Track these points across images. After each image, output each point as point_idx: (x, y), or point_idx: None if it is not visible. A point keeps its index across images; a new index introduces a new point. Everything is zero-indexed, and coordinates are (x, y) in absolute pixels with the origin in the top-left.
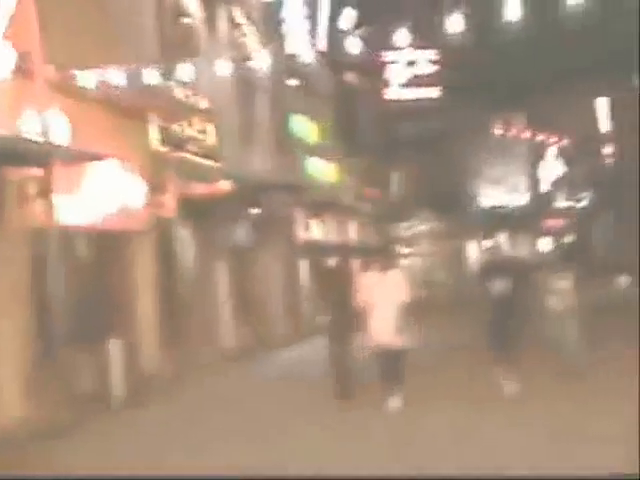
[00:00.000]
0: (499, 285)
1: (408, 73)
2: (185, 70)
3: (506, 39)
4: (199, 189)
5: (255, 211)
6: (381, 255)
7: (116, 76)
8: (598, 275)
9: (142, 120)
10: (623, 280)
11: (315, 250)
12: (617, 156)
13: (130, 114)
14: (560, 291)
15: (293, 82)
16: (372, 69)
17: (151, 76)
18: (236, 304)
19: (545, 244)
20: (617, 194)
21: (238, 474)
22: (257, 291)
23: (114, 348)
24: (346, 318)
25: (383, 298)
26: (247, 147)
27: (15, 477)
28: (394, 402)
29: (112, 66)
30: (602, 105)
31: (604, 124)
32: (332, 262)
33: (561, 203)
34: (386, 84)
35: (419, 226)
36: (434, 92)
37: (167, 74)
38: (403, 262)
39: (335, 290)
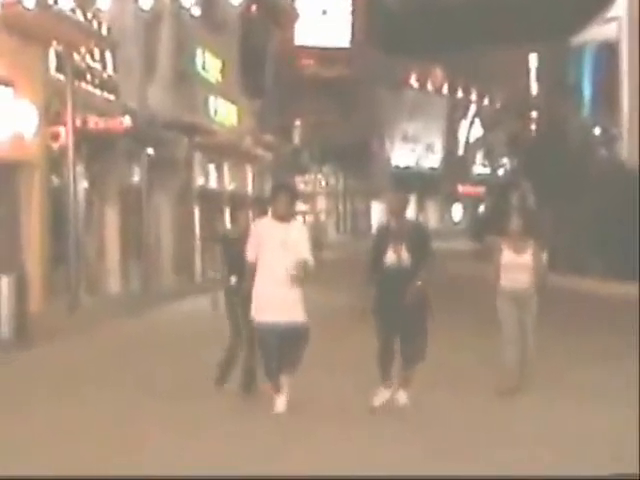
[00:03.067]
0: (392, 257)
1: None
2: None
3: None
4: (95, 123)
5: (151, 151)
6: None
7: None
8: None
9: (42, 45)
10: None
11: (210, 197)
12: (541, 121)
13: (30, 37)
14: (520, 267)
15: (199, 13)
16: (283, 7)
17: None
18: (125, 249)
19: (458, 212)
20: (538, 164)
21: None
22: (148, 237)
23: (2, 285)
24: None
25: (277, 257)
26: (147, 81)
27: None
28: (279, 405)
29: None
30: (531, 65)
31: (531, 86)
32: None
33: (478, 169)
34: (296, 20)
35: (320, 181)
36: (345, 41)
37: None
38: (299, 220)
39: (231, 247)
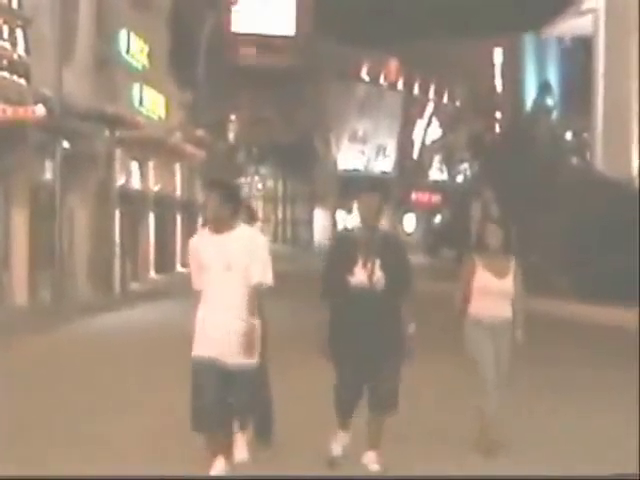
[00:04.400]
0: (362, 276)
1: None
2: None
3: None
4: (2, 110)
5: (66, 144)
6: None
7: None
8: None
9: None
10: None
11: (133, 199)
12: (506, 123)
13: None
14: (499, 294)
15: None
16: None
17: None
18: (34, 256)
19: (411, 222)
20: (502, 170)
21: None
22: (61, 243)
23: None
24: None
25: (218, 283)
26: (63, 65)
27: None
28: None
29: None
30: (495, 60)
31: (495, 83)
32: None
33: (435, 174)
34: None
35: (256, 183)
36: (290, 28)
37: None
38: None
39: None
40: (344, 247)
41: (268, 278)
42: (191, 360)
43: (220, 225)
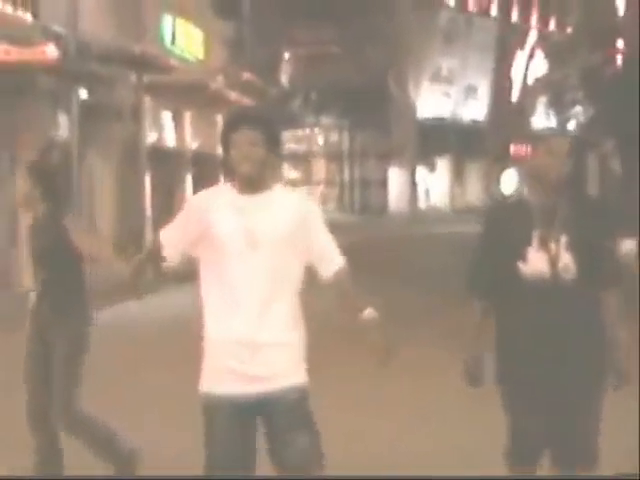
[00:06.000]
0: (540, 263)
1: None
2: None
3: None
4: (5, 52)
5: (84, 93)
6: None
7: None
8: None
9: None
10: (627, 246)
11: (167, 159)
12: (630, 54)
13: None
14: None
15: None
16: None
17: None
18: None
19: (511, 181)
20: (625, 114)
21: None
22: (80, 212)
23: None
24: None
25: (240, 268)
26: None
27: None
28: None
29: None
30: None
31: (616, 4)
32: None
33: (540, 121)
34: None
35: (317, 136)
36: None
37: None
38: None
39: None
40: (508, 220)
41: (341, 261)
42: (201, 399)
43: (256, 182)
